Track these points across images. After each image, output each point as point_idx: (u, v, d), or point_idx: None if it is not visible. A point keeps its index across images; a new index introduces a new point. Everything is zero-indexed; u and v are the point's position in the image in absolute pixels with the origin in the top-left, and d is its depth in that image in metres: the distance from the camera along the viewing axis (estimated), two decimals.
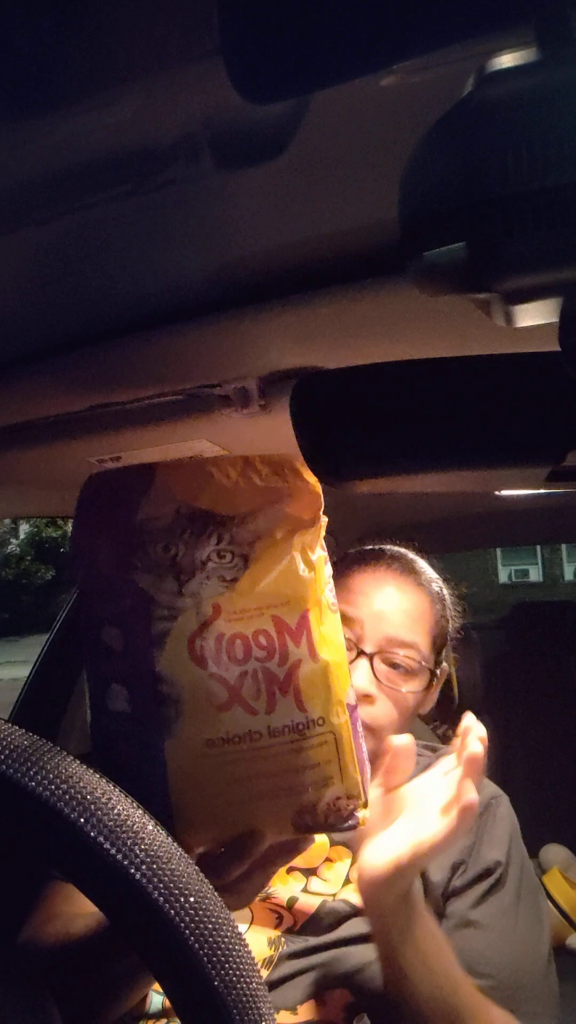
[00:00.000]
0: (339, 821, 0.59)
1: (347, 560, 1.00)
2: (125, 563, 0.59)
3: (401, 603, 0.95)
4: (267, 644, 0.58)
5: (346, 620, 0.90)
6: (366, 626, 0.91)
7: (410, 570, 1.00)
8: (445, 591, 1.04)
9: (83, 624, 0.62)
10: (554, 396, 0.59)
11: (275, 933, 0.85)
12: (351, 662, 0.87)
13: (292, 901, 0.87)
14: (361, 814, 0.62)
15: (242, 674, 0.57)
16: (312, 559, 0.62)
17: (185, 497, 0.61)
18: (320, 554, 0.63)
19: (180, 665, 0.57)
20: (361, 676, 0.88)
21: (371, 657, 0.90)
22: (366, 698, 0.88)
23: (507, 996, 0.81)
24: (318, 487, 0.64)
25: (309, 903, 0.87)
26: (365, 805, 0.63)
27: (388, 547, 1.04)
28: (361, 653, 0.89)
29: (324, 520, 0.65)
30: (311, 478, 0.64)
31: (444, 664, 1.01)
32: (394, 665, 0.91)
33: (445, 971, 0.74)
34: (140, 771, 0.57)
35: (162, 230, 0.58)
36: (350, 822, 0.61)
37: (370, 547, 1.02)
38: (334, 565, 0.98)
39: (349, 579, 0.95)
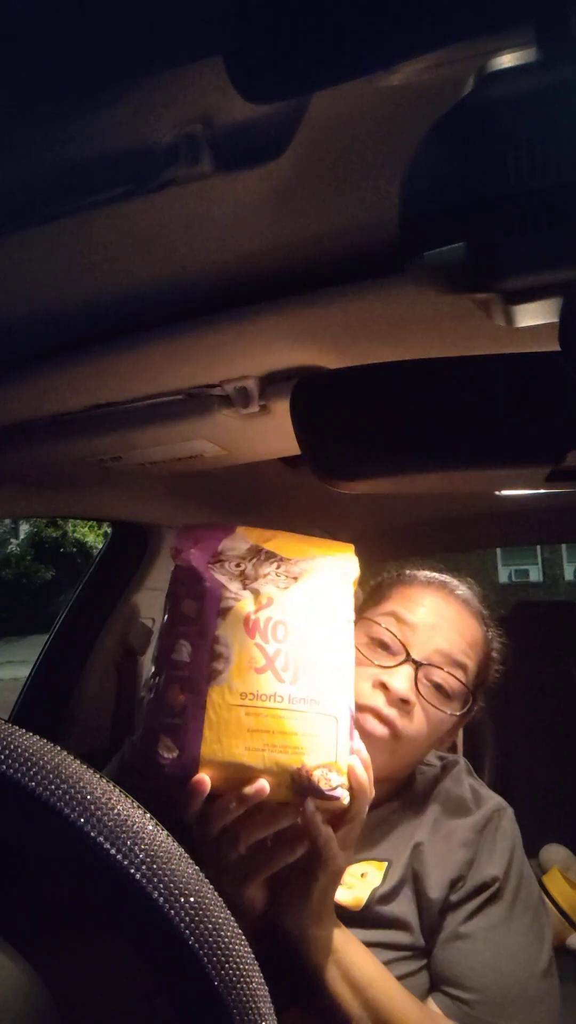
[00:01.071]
0: (326, 789, 0.71)
1: (413, 577, 1.00)
2: (209, 564, 0.77)
3: (459, 625, 0.93)
4: (305, 633, 0.75)
5: (400, 622, 0.91)
6: (419, 633, 0.90)
7: (474, 604, 0.99)
8: (493, 632, 1.03)
9: (168, 599, 0.77)
10: (554, 396, 0.59)
11: None
12: (396, 666, 0.88)
13: None
14: (342, 793, 0.72)
15: (278, 650, 0.73)
16: (350, 584, 0.81)
17: (258, 540, 0.80)
18: (353, 591, 0.82)
19: (235, 633, 0.73)
20: (402, 681, 0.87)
21: (417, 666, 0.88)
22: (403, 704, 0.87)
23: (493, 1011, 0.80)
24: (354, 558, 0.83)
25: None
26: (346, 787, 0.73)
27: (452, 578, 1.02)
28: (408, 659, 0.88)
29: (355, 571, 0.83)
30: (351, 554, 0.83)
31: (476, 704, 0.99)
32: (437, 684, 0.90)
33: (380, 996, 0.75)
34: (185, 710, 0.71)
35: (162, 230, 0.58)
36: (333, 793, 0.71)
37: (436, 574, 1.01)
38: (394, 576, 1.01)
39: (413, 590, 0.95)
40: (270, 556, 0.79)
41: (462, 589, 0.98)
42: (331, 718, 0.73)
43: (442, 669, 0.89)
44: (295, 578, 0.78)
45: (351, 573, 0.82)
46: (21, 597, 15.19)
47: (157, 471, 1.10)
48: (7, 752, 0.37)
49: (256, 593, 0.76)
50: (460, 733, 1.87)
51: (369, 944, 0.80)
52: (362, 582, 0.87)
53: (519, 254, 0.31)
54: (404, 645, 0.89)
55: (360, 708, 0.85)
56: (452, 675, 0.90)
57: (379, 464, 0.70)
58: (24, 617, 14.12)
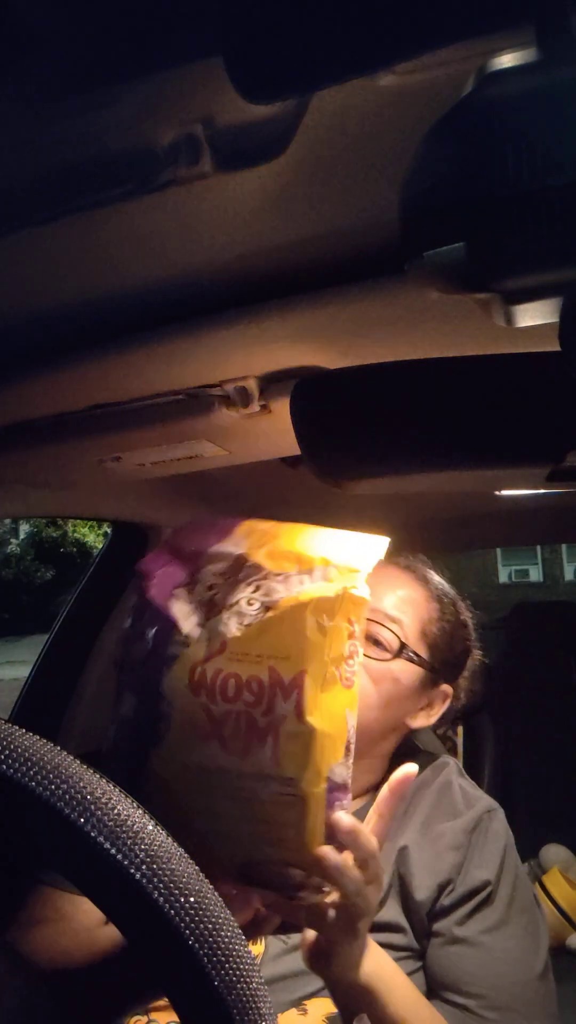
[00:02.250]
0: (284, 888, 0.59)
1: None
2: (170, 594, 0.66)
3: (394, 586, 0.96)
4: (257, 691, 0.60)
5: None
6: None
7: (415, 568, 1.01)
8: (460, 607, 1.03)
9: (125, 636, 0.68)
10: (554, 396, 0.59)
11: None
12: None
13: None
14: (309, 894, 0.60)
15: (227, 712, 0.60)
16: (326, 626, 0.62)
17: (249, 548, 0.67)
18: (340, 626, 0.64)
19: (179, 688, 0.61)
20: None
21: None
22: None
23: (498, 1015, 0.80)
24: (360, 567, 0.66)
25: None
26: (318, 890, 0.61)
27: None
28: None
29: (362, 600, 0.66)
30: (362, 558, 0.67)
31: (446, 684, 0.99)
32: (376, 641, 0.91)
33: (398, 1001, 0.72)
34: (131, 770, 0.61)
35: (162, 230, 0.58)
36: (295, 894, 0.60)
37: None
38: None
39: None
40: (253, 572, 0.65)
41: (406, 560, 1.00)
42: (294, 801, 0.59)
43: (377, 625, 0.91)
44: (268, 608, 0.63)
45: (355, 593, 0.64)
46: (21, 597, 15.18)
47: (157, 471, 1.10)
48: (7, 752, 0.37)
49: (210, 634, 0.63)
50: (460, 733, 1.88)
51: None
52: None
53: (519, 254, 0.31)
54: None
55: None
56: (385, 627, 0.92)
57: (379, 464, 0.70)
58: (24, 617, 14.12)
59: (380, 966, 0.72)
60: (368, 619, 0.88)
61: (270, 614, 0.62)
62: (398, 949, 0.84)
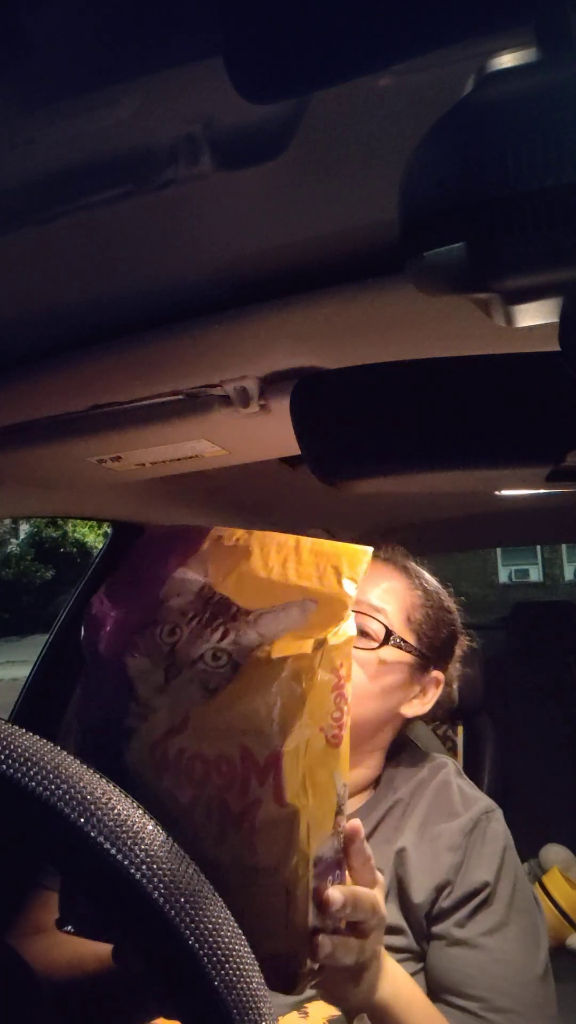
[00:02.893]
0: (273, 980, 0.50)
1: None
2: (127, 642, 0.57)
3: (376, 578, 0.97)
4: (228, 774, 0.52)
5: None
6: None
7: (395, 560, 1.03)
8: (442, 595, 1.05)
9: (78, 698, 0.59)
10: (554, 396, 0.59)
11: None
12: None
13: None
14: (302, 983, 0.54)
15: (196, 797, 0.52)
16: (305, 689, 0.53)
17: (215, 575, 0.58)
18: (324, 680, 0.55)
19: (141, 769, 0.54)
20: None
21: None
22: None
23: (500, 1017, 0.80)
24: (347, 598, 0.57)
25: None
26: (309, 974, 0.55)
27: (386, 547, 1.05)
28: None
29: (347, 634, 0.57)
30: (348, 584, 0.58)
31: (437, 670, 1.01)
32: (364, 632, 0.91)
33: (415, 1018, 0.71)
34: None
35: (162, 230, 0.58)
36: (286, 984, 0.53)
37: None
38: None
39: None
40: (220, 610, 0.56)
41: (388, 552, 1.01)
42: (277, 890, 0.52)
43: (360, 613, 0.92)
44: (236, 665, 0.54)
45: (340, 639, 0.55)
46: (21, 597, 15.18)
47: (157, 471, 1.10)
48: (7, 752, 0.37)
49: (172, 704, 0.54)
50: (460, 733, 1.88)
51: None
52: None
53: (519, 254, 0.31)
54: None
55: None
56: (371, 616, 0.93)
57: (379, 464, 0.70)
58: (24, 617, 14.11)
59: (397, 987, 0.70)
60: (354, 611, 0.87)
61: (239, 677, 0.53)
62: (398, 951, 0.84)
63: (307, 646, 0.53)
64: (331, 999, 0.67)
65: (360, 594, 0.88)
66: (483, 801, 0.95)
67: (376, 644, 0.93)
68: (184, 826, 0.51)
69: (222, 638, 0.54)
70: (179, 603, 0.57)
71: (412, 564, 1.05)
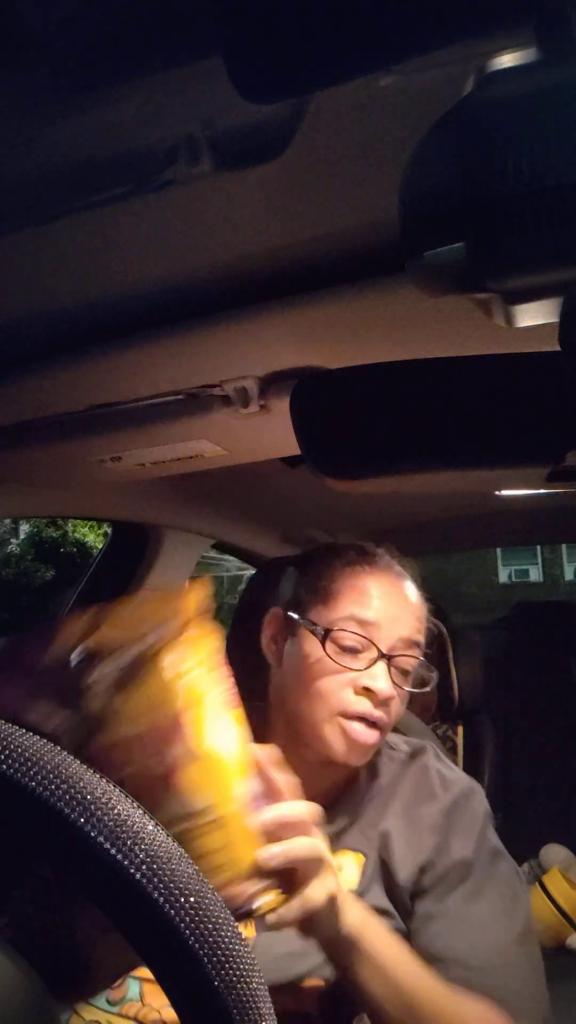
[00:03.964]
0: (236, 908, 0.60)
1: (341, 558, 0.98)
2: (24, 705, 0.63)
3: (410, 607, 0.94)
4: (145, 747, 0.61)
5: (362, 623, 0.89)
6: (382, 628, 0.90)
7: (408, 575, 1.00)
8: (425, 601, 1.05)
9: None
10: (554, 396, 0.59)
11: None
12: (371, 665, 0.88)
13: None
14: (261, 900, 0.62)
15: (126, 776, 0.59)
16: (185, 667, 0.64)
17: (89, 631, 0.65)
18: (198, 662, 0.66)
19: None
20: (384, 681, 0.88)
21: (388, 659, 0.89)
22: (388, 700, 0.88)
23: (470, 974, 0.81)
24: (195, 604, 0.67)
25: None
26: (268, 890, 0.63)
27: (377, 548, 1.03)
28: (380, 655, 0.89)
29: (204, 631, 0.68)
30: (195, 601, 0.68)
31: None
32: (404, 670, 0.90)
33: (401, 974, 0.74)
34: None
35: (162, 230, 0.58)
36: (249, 906, 0.61)
37: (356, 545, 1.01)
38: (314, 557, 0.98)
39: (361, 582, 0.94)
40: (96, 655, 0.65)
41: (396, 565, 0.97)
42: (216, 825, 0.61)
43: (406, 655, 0.91)
44: (120, 683, 0.64)
45: (197, 632, 0.66)
46: (21, 597, 15.17)
47: (157, 471, 1.10)
48: (7, 752, 0.37)
49: (81, 715, 0.64)
50: (460, 733, 1.88)
51: None
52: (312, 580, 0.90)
53: (519, 254, 0.31)
54: (372, 642, 0.89)
55: (349, 716, 0.86)
56: (414, 657, 0.92)
57: (379, 464, 0.70)
58: (24, 617, 14.11)
59: (363, 919, 0.73)
60: (398, 654, 0.89)
61: (131, 683, 0.63)
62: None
63: (174, 640, 0.63)
64: (304, 925, 0.69)
65: (404, 629, 0.90)
66: (462, 782, 0.96)
67: (418, 686, 0.94)
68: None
69: (107, 666, 0.63)
70: (61, 663, 0.64)
71: (404, 569, 1.03)
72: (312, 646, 0.88)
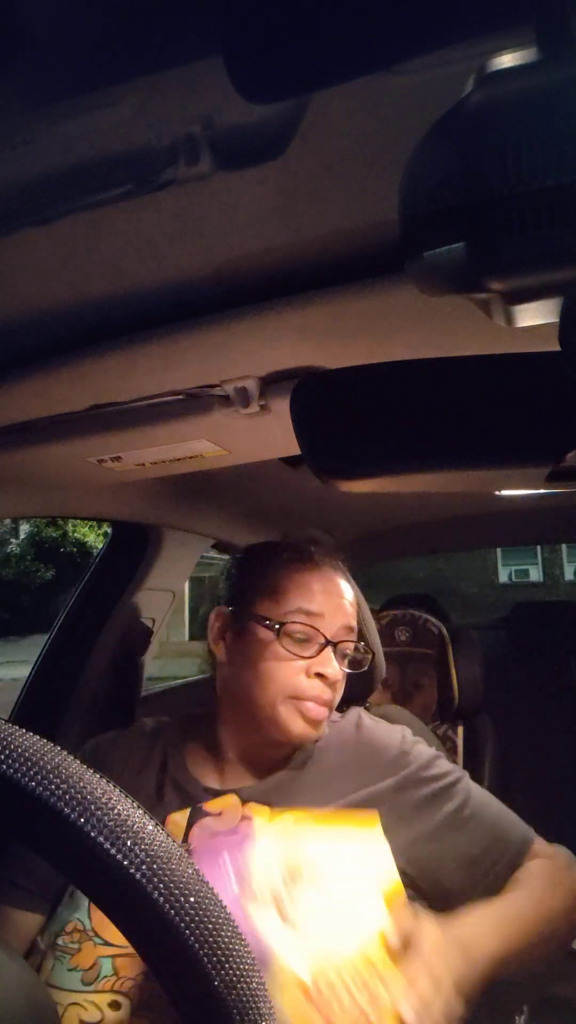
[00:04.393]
0: None
1: (283, 556, 1.03)
2: None
3: (347, 595, 1.03)
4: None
5: (309, 615, 0.97)
6: (326, 618, 0.98)
7: (340, 565, 1.06)
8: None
9: None
10: (554, 396, 0.59)
11: None
12: (319, 652, 0.95)
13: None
14: None
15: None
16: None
17: None
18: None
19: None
20: (334, 665, 0.96)
21: (334, 645, 0.97)
22: (336, 682, 0.96)
23: (505, 857, 0.92)
24: None
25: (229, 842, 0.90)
26: None
27: (311, 541, 1.06)
28: (327, 643, 0.97)
29: None
30: None
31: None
32: (345, 653, 0.99)
33: (498, 934, 0.82)
34: None
35: (162, 230, 0.58)
36: None
37: (292, 544, 1.06)
38: (253, 557, 1.03)
39: (304, 578, 1.00)
40: None
41: (330, 560, 1.04)
42: None
43: (348, 640, 1.00)
44: None
45: None
46: (21, 597, 15.17)
47: (157, 471, 1.10)
48: (7, 752, 0.37)
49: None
50: (460, 733, 1.87)
51: None
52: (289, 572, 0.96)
53: (519, 254, 0.31)
54: (320, 632, 0.97)
55: (302, 697, 0.94)
56: (352, 641, 1.01)
57: (379, 464, 0.70)
58: (24, 617, 14.11)
59: (459, 943, 0.79)
60: (342, 640, 0.98)
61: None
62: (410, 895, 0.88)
63: None
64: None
65: (345, 618, 0.99)
66: (395, 732, 1.03)
67: (357, 668, 1.02)
68: None
69: None
70: None
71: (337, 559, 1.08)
72: (264, 638, 0.96)
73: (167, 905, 0.35)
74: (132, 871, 0.35)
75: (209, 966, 0.35)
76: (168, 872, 0.36)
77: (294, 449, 0.79)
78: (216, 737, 1.01)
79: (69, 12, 0.43)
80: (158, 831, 0.37)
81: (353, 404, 0.70)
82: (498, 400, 0.63)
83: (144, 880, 0.35)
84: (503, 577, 13.89)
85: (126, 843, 0.36)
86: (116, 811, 0.36)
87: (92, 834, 0.35)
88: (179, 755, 1.01)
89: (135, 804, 0.38)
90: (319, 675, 0.94)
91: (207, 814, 0.93)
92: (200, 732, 1.03)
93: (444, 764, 1.00)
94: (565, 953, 0.92)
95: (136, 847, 0.36)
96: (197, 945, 0.35)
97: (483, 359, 0.65)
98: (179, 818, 0.93)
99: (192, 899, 0.36)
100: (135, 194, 0.52)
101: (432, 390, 0.66)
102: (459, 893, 0.90)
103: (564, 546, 12.90)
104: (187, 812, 0.93)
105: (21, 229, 0.56)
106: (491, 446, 0.64)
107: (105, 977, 0.84)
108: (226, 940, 0.36)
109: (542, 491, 0.78)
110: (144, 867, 0.35)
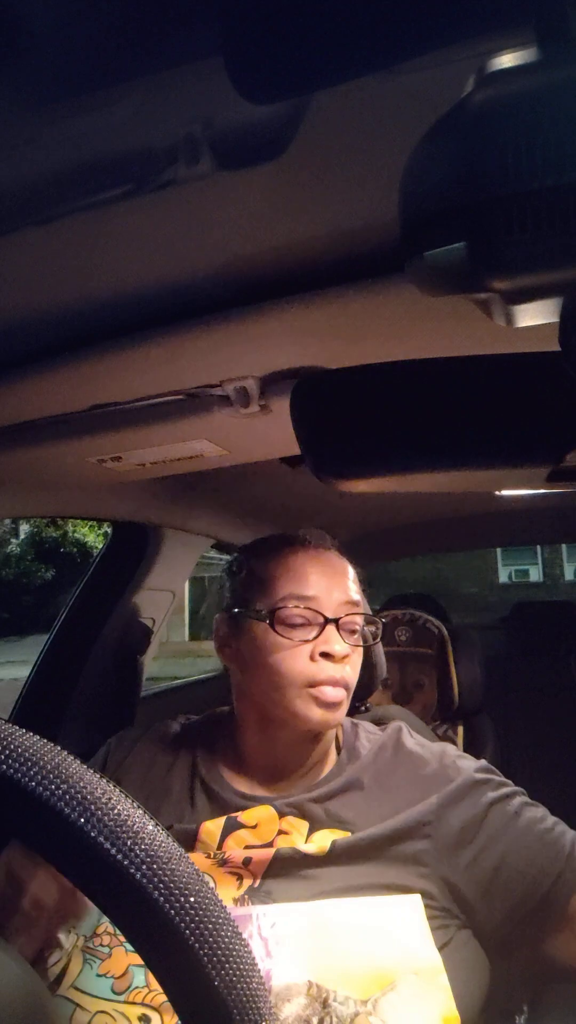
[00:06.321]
0: None
1: (266, 549, 1.03)
2: None
3: (341, 570, 1.01)
4: None
5: (302, 599, 0.95)
6: (321, 598, 0.96)
7: (330, 542, 1.05)
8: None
9: None
10: (554, 396, 0.59)
11: (238, 893, 0.87)
12: (320, 632, 0.93)
13: (247, 860, 0.90)
14: None
15: None
16: None
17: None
18: None
19: None
20: (337, 642, 0.94)
21: (336, 622, 0.95)
22: (345, 659, 0.94)
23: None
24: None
25: (263, 855, 0.89)
26: None
27: (296, 532, 1.06)
28: (327, 621, 0.95)
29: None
30: None
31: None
32: (351, 628, 0.97)
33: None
34: None
35: (162, 230, 0.58)
36: None
37: (276, 536, 1.05)
38: (240, 557, 1.02)
39: (291, 564, 0.99)
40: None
41: (316, 539, 1.03)
42: None
43: (350, 615, 0.97)
44: None
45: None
46: (21, 597, 15.17)
47: (157, 471, 1.10)
48: (7, 752, 0.37)
49: None
50: (460, 733, 1.88)
51: None
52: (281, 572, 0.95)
53: (519, 254, 0.31)
54: (318, 612, 0.94)
55: (315, 683, 0.91)
56: (358, 614, 0.98)
57: (379, 464, 0.70)
58: (24, 617, 14.10)
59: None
60: (344, 615, 0.95)
61: None
62: (435, 915, 0.86)
63: None
64: None
65: (343, 593, 0.96)
66: (436, 747, 1.02)
67: (370, 640, 1.00)
68: None
69: None
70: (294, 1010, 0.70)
71: (328, 538, 1.07)
72: (262, 632, 0.94)
73: (167, 905, 0.35)
74: (132, 871, 0.35)
75: (209, 966, 0.35)
76: (168, 872, 0.36)
77: (294, 449, 0.79)
78: (242, 741, 0.99)
79: (69, 12, 0.43)
80: (158, 831, 0.37)
81: (353, 404, 0.70)
82: (498, 400, 0.63)
83: (144, 880, 0.35)
84: (503, 577, 13.88)
85: (126, 843, 0.36)
86: (116, 811, 0.36)
87: (92, 834, 0.35)
88: (209, 758, 1.00)
89: (135, 804, 0.38)
90: (325, 655, 0.92)
91: (242, 825, 0.92)
92: (226, 733, 1.02)
93: (496, 777, 0.99)
94: None
95: (136, 847, 0.36)
96: (197, 945, 0.35)
97: (483, 359, 0.65)
98: (213, 827, 0.91)
99: (192, 899, 0.36)
100: (135, 194, 0.52)
101: (432, 390, 0.66)
102: (513, 911, 0.87)
103: (564, 546, 12.89)
104: (221, 822, 0.91)
105: (22, 229, 0.56)
106: (491, 446, 0.64)
107: (136, 988, 0.81)
108: (226, 940, 0.36)
109: (542, 491, 0.78)
110: (144, 867, 0.35)
